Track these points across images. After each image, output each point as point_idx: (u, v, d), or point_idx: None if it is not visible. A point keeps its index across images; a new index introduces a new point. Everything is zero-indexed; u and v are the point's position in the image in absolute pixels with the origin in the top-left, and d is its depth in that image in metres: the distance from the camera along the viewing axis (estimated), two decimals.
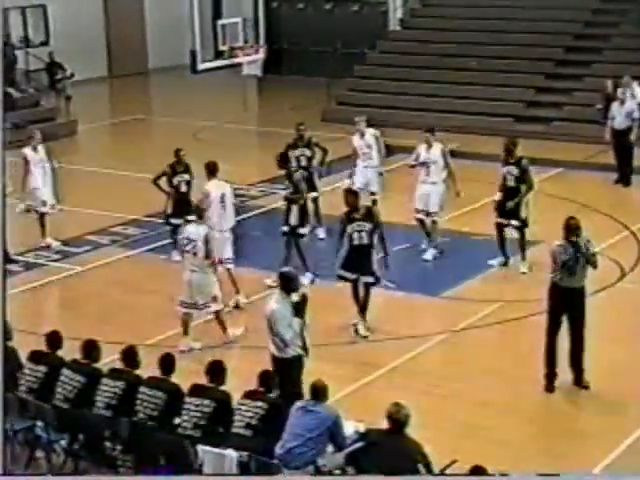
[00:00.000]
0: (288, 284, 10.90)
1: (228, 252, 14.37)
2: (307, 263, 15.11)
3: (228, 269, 14.40)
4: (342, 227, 13.41)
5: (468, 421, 11.17)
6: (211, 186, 14.44)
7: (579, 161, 21.07)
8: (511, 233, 15.67)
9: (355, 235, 13.28)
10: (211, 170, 14.57)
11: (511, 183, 15.41)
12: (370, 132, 17.58)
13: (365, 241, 13.28)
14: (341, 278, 13.59)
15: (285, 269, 11.25)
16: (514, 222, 15.45)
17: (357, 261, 13.35)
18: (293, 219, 15.16)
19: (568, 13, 26.51)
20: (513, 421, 11.26)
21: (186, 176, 16.02)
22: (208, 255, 12.95)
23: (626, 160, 19.94)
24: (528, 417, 11.47)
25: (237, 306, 14.39)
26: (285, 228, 15.14)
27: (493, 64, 25.70)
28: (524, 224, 15.45)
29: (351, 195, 13.68)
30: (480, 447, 10.34)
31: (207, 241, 12.93)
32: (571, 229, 11.58)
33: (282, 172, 15.61)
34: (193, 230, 13.12)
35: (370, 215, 13.40)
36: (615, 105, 19.84)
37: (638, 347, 12.82)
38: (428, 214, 15.99)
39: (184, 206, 15.57)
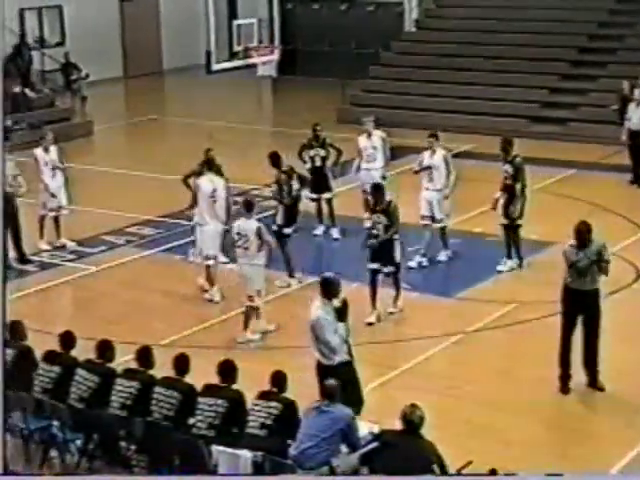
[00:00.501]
0: (329, 289, 10.67)
1: (214, 248, 14.67)
2: (291, 265, 15.21)
3: (208, 266, 14.68)
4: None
5: (482, 422, 11.14)
6: (203, 180, 14.79)
7: (594, 162, 21.01)
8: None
9: (376, 226, 13.76)
10: (209, 165, 15.04)
11: (508, 181, 15.38)
12: (377, 134, 17.54)
13: (381, 233, 13.65)
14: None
15: (326, 274, 10.91)
16: (503, 221, 15.49)
17: (378, 251, 13.69)
18: (279, 219, 15.28)
19: (583, 14, 26.45)
20: (528, 422, 11.22)
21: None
22: (260, 248, 13.21)
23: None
24: (543, 418, 11.43)
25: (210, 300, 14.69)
26: (274, 227, 15.23)
27: (508, 65, 25.66)
28: (513, 221, 15.38)
29: (375, 189, 14.11)
30: (495, 448, 10.32)
31: (259, 235, 13.19)
32: (581, 233, 11.53)
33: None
34: (243, 225, 13.36)
35: (387, 211, 13.71)
36: (632, 106, 19.73)
37: None
38: (434, 220, 15.91)
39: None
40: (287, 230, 15.33)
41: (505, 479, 8.49)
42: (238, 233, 13.35)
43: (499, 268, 15.51)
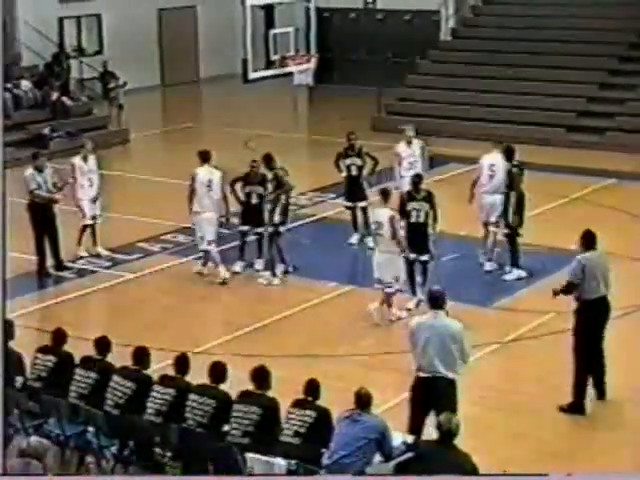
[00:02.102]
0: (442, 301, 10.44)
1: (211, 234, 15.63)
2: (275, 262, 15.65)
3: (207, 251, 15.65)
4: (402, 205, 14.48)
5: (518, 431, 11.09)
6: (200, 170, 15.73)
7: (632, 172, 20.86)
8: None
9: (413, 213, 14.28)
10: (203, 158, 15.87)
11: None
12: (416, 142, 17.53)
13: (422, 220, 14.28)
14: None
15: (434, 288, 10.81)
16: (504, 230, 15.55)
17: (414, 239, 14.20)
18: (277, 217, 15.54)
19: (622, 22, 26.31)
20: (564, 431, 11.15)
21: (259, 189, 15.93)
22: (394, 236, 13.77)
23: None
24: (580, 426, 11.34)
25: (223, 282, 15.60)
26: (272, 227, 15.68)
27: (545, 73, 25.56)
28: (512, 230, 15.37)
29: (417, 177, 14.83)
30: (530, 458, 10.25)
31: (392, 223, 13.76)
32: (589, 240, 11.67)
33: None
34: (378, 212, 14.12)
35: (428, 199, 14.38)
36: None
37: None
38: (497, 224, 15.88)
39: (254, 216, 15.91)
40: (283, 228, 15.68)
41: (522, 479, 8.43)
42: (376, 221, 14.05)
43: (505, 277, 15.52)
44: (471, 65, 26.73)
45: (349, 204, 17.38)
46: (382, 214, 13.99)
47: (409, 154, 17.35)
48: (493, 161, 15.92)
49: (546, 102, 24.91)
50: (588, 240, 11.67)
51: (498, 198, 15.68)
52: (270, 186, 15.66)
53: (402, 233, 14.00)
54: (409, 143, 17.44)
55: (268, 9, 28.28)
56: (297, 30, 25.41)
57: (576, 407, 11.57)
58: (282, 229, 15.71)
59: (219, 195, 15.69)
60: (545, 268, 15.98)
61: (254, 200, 15.99)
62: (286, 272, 15.82)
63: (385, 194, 14.24)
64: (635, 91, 24.59)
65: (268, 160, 15.91)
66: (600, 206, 18.62)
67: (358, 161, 17.18)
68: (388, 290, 14.00)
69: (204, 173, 15.69)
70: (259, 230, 16.05)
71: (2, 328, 5.11)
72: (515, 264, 15.59)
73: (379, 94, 26.75)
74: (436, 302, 10.32)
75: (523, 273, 15.55)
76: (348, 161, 17.20)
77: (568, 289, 11.62)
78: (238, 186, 16.13)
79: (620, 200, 18.99)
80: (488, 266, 15.95)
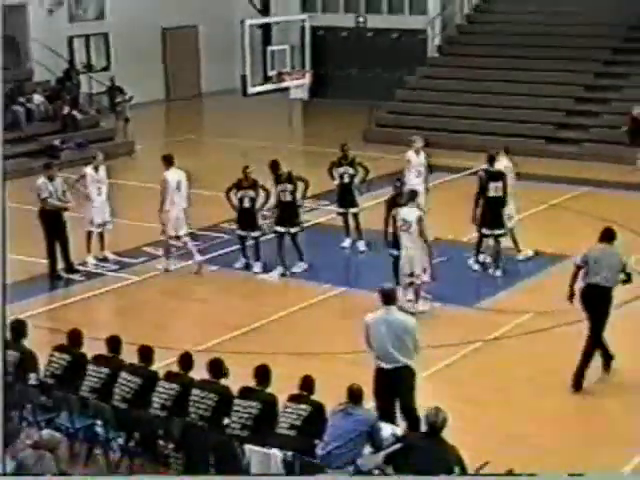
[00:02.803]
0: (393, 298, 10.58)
1: (183, 229, 16.19)
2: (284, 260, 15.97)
3: (185, 242, 16.25)
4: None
5: (503, 426, 11.08)
6: (169, 174, 16.06)
7: (606, 180, 20.90)
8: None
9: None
10: (168, 161, 16.18)
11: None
12: (422, 152, 17.69)
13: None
14: None
15: (386, 286, 10.79)
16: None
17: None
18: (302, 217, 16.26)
19: (598, 41, 26.39)
20: (544, 427, 11.14)
21: (251, 193, 16.07)
22: (421, 233, 13.94)
23: None
24: (559, 422, 11.33)
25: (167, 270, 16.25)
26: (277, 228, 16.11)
27: (525, 88, 25.63)
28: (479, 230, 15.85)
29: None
30: (513, 451, 10.24)
31: (419, 222, 13.95)
32: (603, 235, 12.08)
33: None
34: (407, 212, 14.12)
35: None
36: None
37: None
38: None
39: (248, 219, 16.07)
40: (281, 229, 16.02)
41: (522, 479, 8.44)
42: (403, 219, 14.11)
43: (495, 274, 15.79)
44: (456, 80, 26.78)
45: (341, 210, 17.41)
46: (410, 213, 14.11)
47: (418, 163, 17.54)
48: (499, 165, 16.09)
49: (527, 115, 24.97)
50: (602, 235, 12.18)
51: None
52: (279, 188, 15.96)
53: (425, 227, 14.13)
54: (417, 152, 17.57)
55: (265, 28, 28.40)
56: (293, 48, 25.51)
57: (576, 377, 11.91)
58: (294, 230, 16.05)
59: (186, 193, 16.20)
60: (527, 270, 16.08)
61: (246, 204, 16.09)
62: (283, 275, 15.90)
63: (413, 195, 14.49)
64: (609, 105, 24.65)
65: (275, 166, 16.09)
66: (577, 212, 18.66)
67: (350, 170, 17.21)
68: (417, 281, 14.18)
69: (173, 176, 16.09)
70: (254, 234, 16.12)
71: (2, 328, 5.05)
72: (496, 264, 15.76)
73: (370, 107, 26.79)
74: (388, 298, 10.44)
75: (499, 272, 15.77)
76: (341, 170, 17.22)
77: (575, 273, 12.17)
78: (232, 193, 16.18)
79: (595, 207, 19.02)
80: (476, 265, 16.09)
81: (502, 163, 16.15)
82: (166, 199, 16.02)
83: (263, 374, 9.65)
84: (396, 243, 14.60)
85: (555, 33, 26.95)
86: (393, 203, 14.73)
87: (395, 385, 10.22)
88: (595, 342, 11.99)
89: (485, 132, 24.45)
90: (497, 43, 27.37)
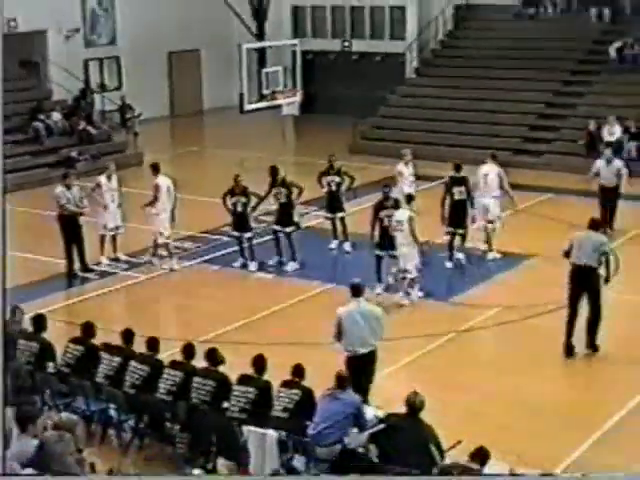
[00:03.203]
0: (361, 291, 10.77)
1: (168, 230, 16.19)
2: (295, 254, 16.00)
3: (167, 238, 16.20)
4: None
5: (474, 408, 11.08)
6: (160, 180, 16.17)
7: (566, 187, 20.94)
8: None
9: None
10: (156, 169, 16.33)
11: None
12: (411, 164, 17.74)
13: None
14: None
15: (355, 280, 10.93)
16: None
17: (384, 240, 14.63)
18: (296, 217, 16.18)
19: (559, 63, 26.44)
20: (512, 408, 11.16)
21: (242, 199, 16.06)
22: (412, 232, 14.02)
23: (612, 215, 17.62)
24: (525, 405, 11.33)
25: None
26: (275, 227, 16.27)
27: (494, 106, 25.68)
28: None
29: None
30: (483, 431, 10.22)
31: (410, 221, 14.05)
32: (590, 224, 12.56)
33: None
34: (400, 214, 14.24)
35: (397, 205, 14.70)
36: (601, 163, 17.70)
37: None
38: (490, 222, 16.36)
39: (242, 222, 16.08)
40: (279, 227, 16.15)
41: (524, 479, 8.35)
42: (397, 220, 14.19)
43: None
44: (432, 98, 26.80)
45: (329, 215, 17.40)
46: (403, 214, 14.23)
47: (409, 173, 17.54)
48: (487, 170, 16.35)
49: (496, 130, 25.01)
50: (589, 224, 12.58)
51: (491, 201, 16.19)
52: (280, 193, 16.02)
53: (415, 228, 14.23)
54: (407, 164, 17.57)
55: (261, 51, 28.40)
56: (285, 69, 25.48)
57: (566, 347, 12.30)
58: (289, 230, 16.08)
59: (173, 197, 16.23)
60: (495, 268, 16.10)
61: (239, 208, 16.08)
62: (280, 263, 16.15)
63: (410, 198, 14.78)
64: (568, 121, 24.73)
65: (274, 171, 16.11)
66: (541, 216, 18.69)
67: (337, 179, 17.20)
68: (409, 276, 14.25)
69: (163, 181, 16.19)
70: (247, 235, 16.12)
71: (2, 327, 5.00)
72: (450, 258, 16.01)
73: (355, 123, 26.78)
74: (357, 291, 10.65)
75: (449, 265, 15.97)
76: (329, 178, 17.21)
77: (565, 253, 12.50)
78: (227, 199, 16.18)
79: (557, 211, 19.07)
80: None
81: (488, 168, 16.37)
82: (159, 202, 16.01)
83: (259, 363, 9.64)
84: (381, 244, 14.59)
85: (519, 57, 26.97)
86: (380, 207, 14.73)
87: (365, 366, 10.41)
88: (596, 317, 12.31)
89: (458, 144, 24.47)
90: (467, 65, 27.38)
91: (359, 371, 10.33)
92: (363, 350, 10.47)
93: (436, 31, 29.73)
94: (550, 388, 11.72)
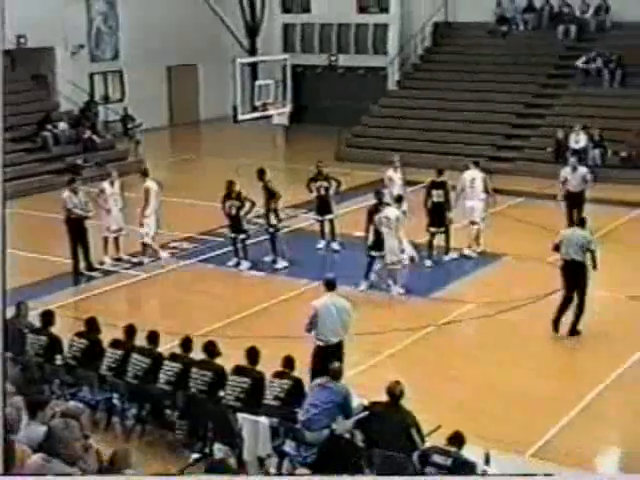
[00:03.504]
0: (334, 285, 10.89)
1: (153, 230, 16.29)
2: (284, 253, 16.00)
3: (152, 239, 16.31)
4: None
5: (452, 396, 11.08)
6: (150, 184, 16.31)
7: (536, 192, 20.99)
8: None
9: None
10: (146, 173, 16.49)
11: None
12: (399, 170, 17.66)
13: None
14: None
15: (329, 275, 11.18)
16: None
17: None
18: (273, 219, 16.04)
19: (528, 77, 26.50)
20: (488, 395, 11.16)
21: (236, 202, 16.04)
22: (397, 229, 14.21)
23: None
24: (502, 393, 11.33)
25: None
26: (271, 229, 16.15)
27: (469, 116, 25.71)
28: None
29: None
30: (462, 417, 10.23)
31: (397, 220, 14.29)
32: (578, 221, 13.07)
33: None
34: (389, 211, 14.40)
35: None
36: (567, 170, 17.61)
37: None
38: (473, 223, 16.46)
39: (236, 224, 16.07)
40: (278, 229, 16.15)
41: (524, 479, 8.32)
42: (386, 217, 14.30)
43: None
44: (412, 109, 26.81)
45: (319, 217, 17.39)
46: (391, 212, 14.38)
47: (398, 178, 17.48)
48: (473, 175, 16.46)
49: (472, 138, 25.04)
50: (576, 222, 13.12)
51: (476, 203, 16.31)
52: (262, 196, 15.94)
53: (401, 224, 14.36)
54: (395, 169, 17.54)
55: (253, 66, 28.31)
56: (276, 82, 25.39)
57: (554, 322, 12.63)
58: (279, 230, 16.05)
59: (160, 198, 16.39)
60: (472, 266, 16.12)
61: (233, 212, 16.05)
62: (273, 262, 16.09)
63: (399, 198, 15.09)
64: (538, 130, 24.79)
65: (261, 173, 16.03)
66: (514, 219, 18.72)
67: (325, 183, 17.19)
68: (397, 267, 14.36)
69: (152, 185, 16.29)
70: (241, 237, 16.12)
71: (2, 327, 4.95)
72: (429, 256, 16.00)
73: (340, 131, 26.78)
74: (331, 286, 10.76)
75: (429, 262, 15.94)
76: (318, 184, 17.19)
77: (555, 247, 12.80)
78: (226, 203, 16.15)
79: (528, 214, 19.11)
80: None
81: (473, 173, 16.53)
82: (150, 204, 16.09)
83: (253, 355, 9.62)
84: (376, 245, 14.52)
85: (493, 71, 26.98)
86: (375, 211, 14.72)
87: (334, 355, 10.35)
88: (580, 306, 12.54)
89: (437, 152, 24.46)
90: (445, 79, 27.39)
91: (327, 359, 10.23)
92: (334, 340, 10.58)
93: (416, 47, 29.74)
94: (522, 376, 11.73)
